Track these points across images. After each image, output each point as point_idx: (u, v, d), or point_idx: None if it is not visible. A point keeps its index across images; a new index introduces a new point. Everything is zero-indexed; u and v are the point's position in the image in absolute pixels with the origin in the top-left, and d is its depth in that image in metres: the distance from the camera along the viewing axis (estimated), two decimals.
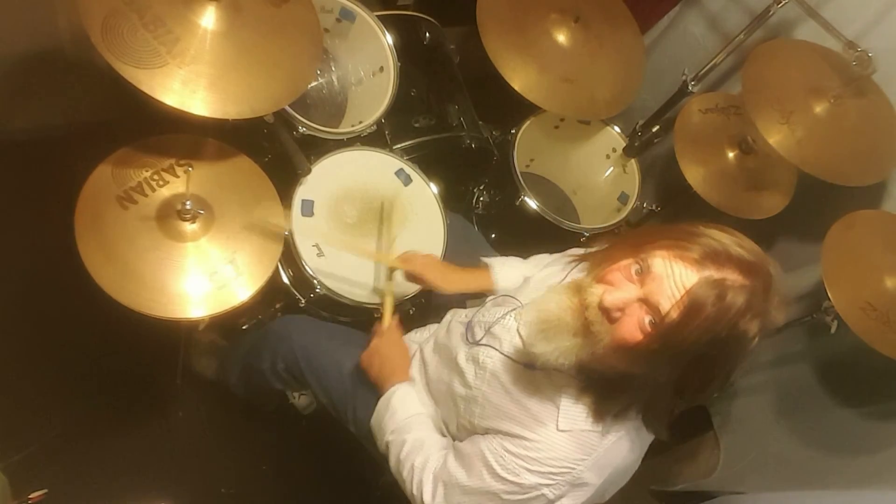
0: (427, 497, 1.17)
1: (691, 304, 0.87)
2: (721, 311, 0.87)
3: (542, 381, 1.08)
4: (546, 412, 1.06)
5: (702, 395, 0.99)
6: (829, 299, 1.64)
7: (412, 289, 1.60)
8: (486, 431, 1.15)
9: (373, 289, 1.59)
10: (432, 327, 1.51)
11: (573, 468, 1.03)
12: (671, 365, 0.93)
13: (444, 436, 1.31)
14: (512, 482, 1.05)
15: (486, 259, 1.51)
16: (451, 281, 1.47)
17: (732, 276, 0.88)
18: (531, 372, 1.10)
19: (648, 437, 1.11)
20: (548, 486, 1.04)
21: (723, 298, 0.86)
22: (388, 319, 1.46)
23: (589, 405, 1.03)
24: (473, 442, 1.16)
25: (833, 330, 1.70)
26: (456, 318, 1.38)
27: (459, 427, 1.25)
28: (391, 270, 1.54)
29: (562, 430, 1.03)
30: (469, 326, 1.30)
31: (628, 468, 1.09)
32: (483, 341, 1.22)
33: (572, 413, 1.04)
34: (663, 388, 0.98)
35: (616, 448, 1.04)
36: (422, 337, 1.51)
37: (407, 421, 1.28)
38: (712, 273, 0.88)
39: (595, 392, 1.03)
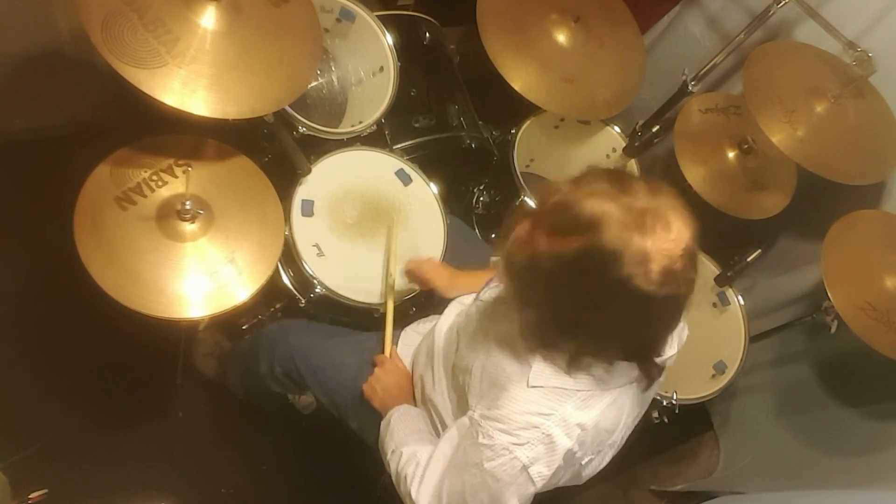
0: (415, 494, 1.18)
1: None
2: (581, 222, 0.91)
3: (518, 341, 1.11)
4: (520, 371, 1.08)
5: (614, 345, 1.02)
6: (829, 299, 1.64)
7: (411, 290, 1.60)
8: (470, 402, 1.17)
9: (375, 307, 1.59)
10: (434, 318, 1.52)
11: (541, 423, 1.04)
12: (559, 287, 0.96)
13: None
14: (487, 446, 1.07)
15: (494, 259, 1.52)
16: (457, 286, 1.50)
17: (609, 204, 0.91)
18: (509, 340, 1.13)
19: (631, 408, 1.12)
20: (519, 446, 1.04)
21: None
22: (389, 348, 1.49)
23: (553, 360, 1.05)
24: (457, 423, 1.19)
25: (833, 330, 1.71)
26: (465, 301, 1.42)
27: (457, 400, 1.27)
28: (391, 298, 1.55)
29: (531, 387, 1.05)
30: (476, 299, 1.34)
31: (600, 432, 1.09)
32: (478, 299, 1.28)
33: (543, 371, 1.06)
34: (591, 337, 1.01)
35: (585, 406, 1.05)
36: (425, 328, 1.51)
37: (405, 437, 1.31)
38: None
39: (543, 339, 1.05)
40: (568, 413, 1.04)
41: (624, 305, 0.93)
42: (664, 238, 0.90)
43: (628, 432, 1.17)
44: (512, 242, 1.05)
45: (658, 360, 1.09)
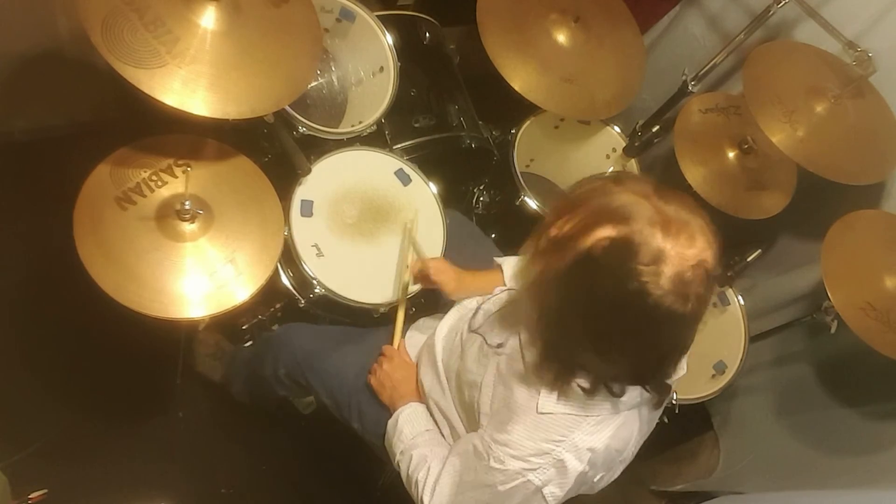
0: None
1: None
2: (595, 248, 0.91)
3: (527, 370, 1.11)
4: (529, 398, 1.08)
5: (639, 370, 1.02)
6: (829, 299, 1.64)
7: (413, 289, 1.60)
8: (480, 421, 1.18)
9: (384, 305, 1.59)
10: (439, 317, 1.52)
11: (552, 449, 1.05)
12: (577, 308, 0.97)
13: (450, 443, 1.32)
14: (500, 470, 1.08)
15: (498, 259, 1.52)
16: (464, 285, 1.50)
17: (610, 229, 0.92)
18: (517, 362, 1.13)
19: (640, 426, 1.12)
20: (532, 470, 1.06)
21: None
22: (398, 341, 1.49)
23: (563, 387, 1.05)
24: (468, 439, 1.19)
25: (833, 330, 1.71)
26: (468, 305, 1.41)
27: (464, 411, 1.27)
28: (404, 292, 1.55)
29: (541, 413, 1.06)
30: (475, 314, 1.33)
31: (611, 453, 1.09)
32: (479, 330, 1.26)
33: (552, 397, 1.06)
34: (605, 362, 1.01)
35: (595, 430, 1.06)
36: (432, 324, 1.51)
37: (413, 440, 1.31)
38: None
39: (554, 360, 1.05)
40: (579, 439, 1.05)
41: (634, 313, 0.92)
42: (684, 246, 0.90)
43: (638, 447, 1.16)
44: (539, 237, 1.04)
45: (668, 380, 1.09)
